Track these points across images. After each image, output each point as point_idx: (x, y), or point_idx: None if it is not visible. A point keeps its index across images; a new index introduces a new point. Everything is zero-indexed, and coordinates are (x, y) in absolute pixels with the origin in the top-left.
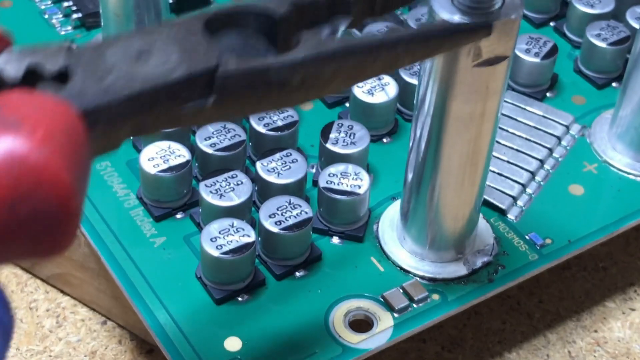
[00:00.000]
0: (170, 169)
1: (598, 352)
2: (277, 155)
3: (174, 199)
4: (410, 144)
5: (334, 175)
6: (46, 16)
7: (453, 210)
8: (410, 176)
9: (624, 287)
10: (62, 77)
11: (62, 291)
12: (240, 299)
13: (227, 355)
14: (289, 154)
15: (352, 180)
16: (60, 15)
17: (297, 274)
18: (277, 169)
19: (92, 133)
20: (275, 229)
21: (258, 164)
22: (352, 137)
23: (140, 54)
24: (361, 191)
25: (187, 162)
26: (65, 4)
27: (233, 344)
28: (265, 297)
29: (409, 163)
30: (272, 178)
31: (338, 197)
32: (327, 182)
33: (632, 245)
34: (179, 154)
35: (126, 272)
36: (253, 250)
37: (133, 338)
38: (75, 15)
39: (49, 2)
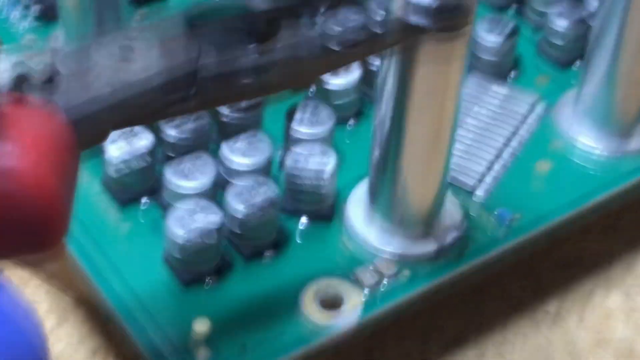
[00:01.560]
0: (134, 152)
1: (599, 353)
2: (243, 137)
3: (139, 184)
4: (374, 122)
5: (299, 154)
6: (3, 12)
7: (420, 187)
8: (376, 154)
9: (625, 287)
10: (48, 82)
11: (62, 291)
12: (208, 280)
13: (196, 336)
14: (253, 135)
15: (319, 158)
16: (19, 10)
17: (266, 254)
18: (242, 149)
19: (79, 135)
20: (242, 209)
21: (223, 145)
22: (316, 117)
23: (124, 56)
24: (328, 169)
25: (152, 145)
26: None
27: (202, 325)
28: (233, 278)
29: (374, 141)
30: (237, 158)
31: (305, 175)
32: (293, 162)
33: (635, 245)
34: (143, 137)
35: (93, 258)
36: (220, 231)
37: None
38: (35, 8)
39: None
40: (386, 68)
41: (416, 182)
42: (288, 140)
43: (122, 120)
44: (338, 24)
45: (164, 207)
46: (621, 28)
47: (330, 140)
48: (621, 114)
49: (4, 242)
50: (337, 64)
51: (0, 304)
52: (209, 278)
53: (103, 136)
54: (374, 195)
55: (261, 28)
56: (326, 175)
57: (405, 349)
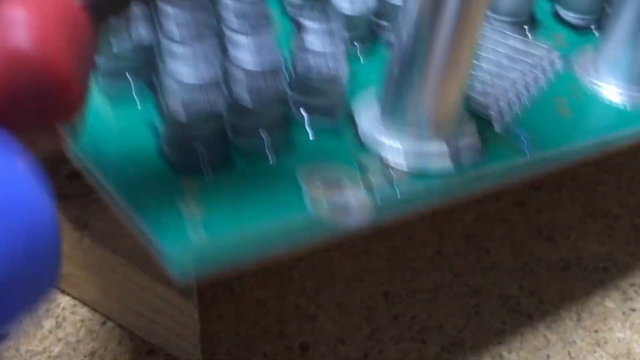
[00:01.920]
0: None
1: (598, 353)
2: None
3: None
4: (395, 38)
5: (312, 42)
6: None
7: (442, 88)
8: (396, 70)
9: (624, 287)
10: None
11: (62, 291)
12: (207, 172)
13: (190, 218)
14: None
15: (329, 46)
16: None
17: (269, 151)
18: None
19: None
20: (248, 99)
21: (227, 32)
22: (326, 15)
23: None
24: (339, 55)
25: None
26: None
27: (194, 209)
28: (235, 171)
29: (393, 56)
30: (244, 55)
31: (317, 63)
32: (304, 49)
33: (632, 245)
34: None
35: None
36: (222, 119)
37: (133, 338)
38: None
39: None
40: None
41: (439, 83)
42: (299, 33)
43: None
44: None
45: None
46: None
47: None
48: None
49: (26, 105)
50: None
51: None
52: (207, 170)
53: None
54: (392, 96)
55: None
56: (337, 62)
57: (403, 349)
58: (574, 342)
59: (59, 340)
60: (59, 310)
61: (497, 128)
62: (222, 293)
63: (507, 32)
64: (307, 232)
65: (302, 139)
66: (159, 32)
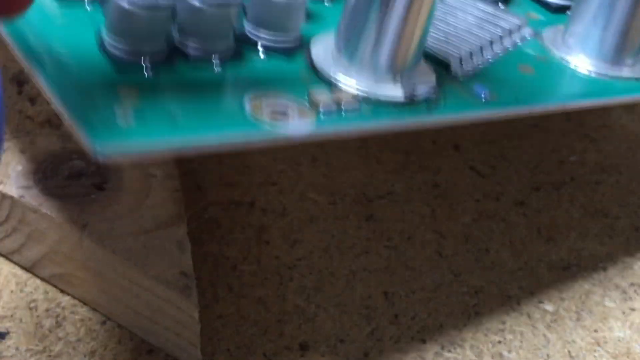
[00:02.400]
0: None
1: (598, 352)
2: None
3: None
4: None
5: None
6: None
7: (399, 31)
8: None
9: (623, 287)
10: None
11: (62, 291)
12: (146, 68)
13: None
14: None
15: None
16: None
17: (214, 59)
18: None
19: None
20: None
21: None
22: None
23: None
24: None
25: None
26: None
27: (130, 93)
28: (177, 74)
29: None
30: None
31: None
32: None
33: (632, 245)
34: None
35: (29, 39)
36: (168, 14)
37: (132, 338)
38: None
39: None
40: None
41: (394, 26)
42: None
43: None
44: None
45: None
46: None
47: None
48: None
49: None
50: None
51: None
52: (147, 66)
53: None
54: (344, 35)
55: None
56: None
57: (403, 349)
58: (574, 342)
59: (59, 339)
60: (59, 310)
61: (456, 73)
62: (222, 293)
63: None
64: (244, 134)
65: (253, 56)
66: None
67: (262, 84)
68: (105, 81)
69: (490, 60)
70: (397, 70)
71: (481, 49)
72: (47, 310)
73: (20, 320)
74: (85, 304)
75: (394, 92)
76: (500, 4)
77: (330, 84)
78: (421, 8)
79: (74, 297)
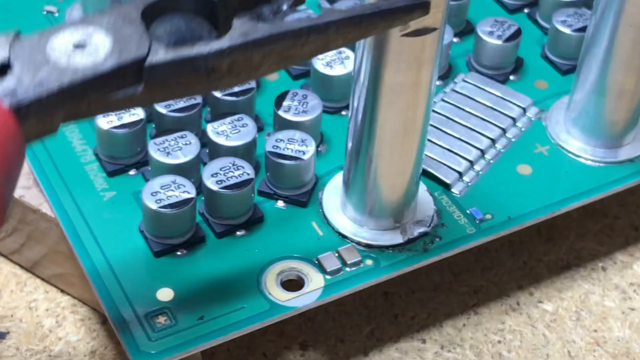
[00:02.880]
0: (123, 126)
1: (598, 352)
2: (228, 119)
3: (127, 156)
4: (350, 114)
5: (280, 140)
6: None
7: (390, 180)
8: (350, 145)
9: (623, 287)
10: (3, 69)
11: (62, 291)
12: (179, 253)
13: (157, 304)
14: (240, 119)
15: (298, 146)
16: None
17: (238, 233)
18: (226, 132)
19: (26, 123)
20: (215, 187)
21: (208, 126)
22: (304, 105)
23: (77, 44)
24: (305, 157)
25: (141, 120)
26: None
27: (165, 294)
28: (203, 253)
29: (349, 132)
30: (220, 140)
31: (282, 161)
32: (273, 147)
33: (631, 245)
34: (134, 112)
35: (73, 221)
36: (192, 206)
37: None
38: None
39: None
40: (359, 58)
41: (387, 174)
42: (276, 127)
43: (71, 109)
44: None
45: (148, 181)
46: (610, 41)
47: (317, 130)
48: (609, 124)
49: None
50: (290, 58)
51: None
52: (180, 251)
53: (52, 127)
54: (347, 184)
55: (221, 16)
56: (303, 163)
57: (403, 348)
58: (574, 341)
59: (59, 339)
60: (59, 310)
61: (455, 193)
62: None
63: (483, 87)
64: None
65: (268, 221)
66: None
67: (279, 248)
68: (143, 270)
69: (492, 163)
70: (397, 218)
71: (482, 153)
72: (47, 310)
73: (20, 320)
74: (85, 303)
75: (394, 237)
76: (511, 76)
77: (340, 237)
78: (410, 160)
79: (73, 297)
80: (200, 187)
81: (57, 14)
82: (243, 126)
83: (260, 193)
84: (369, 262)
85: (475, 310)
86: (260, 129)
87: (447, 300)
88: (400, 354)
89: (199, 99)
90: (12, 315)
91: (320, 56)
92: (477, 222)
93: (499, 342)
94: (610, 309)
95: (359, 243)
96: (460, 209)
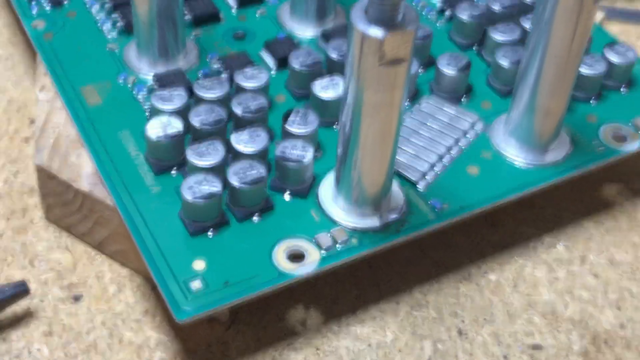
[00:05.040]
0: (166, 136)
1: (530, 311)
2: (247, 131)
3: (170, 159)
4: (339, 127)
5: (286, 147)
6: (99, 24)
7: (370, 177)
8: (339, 151)
9: (549, 262)
10: None
11: (122, 264)
12: (209, 233)
13: (192, 272)
14: (256, 130)
15: (300, 151)
16: (109, 24)
17: (254, 218)
18: (245, 140)
19: None
20: (237, 183)
21: (232, 136)
22: (305, 120)
23: None
24: (306, 160)
25: (180, 132)
26: (114, 15)
27: (199, 265)
28: (227, 233)
29: (339, 141)
30: (241, 147)
31: (288, 163)
32: (281, 152)
33: (555, 230)
34: (175, 126)
35: (129, 210)
36: (219, 197)
37: None
38: (119, 24)
39: (102, 14)
40: (347, 82)
41: (368, 173)
42: (283, 137)
43: None
44: None
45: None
46: (539, 70)
47: (315, 140)
48: (538, 135)
49: None
50: None
51: None
52: (210, 232)
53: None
54: (337, 181)
55: None
56: (304, 164)
57: (382, 308)
58: (512, 303)
59: (120, 301)
60: (120, 279)
61: (420, 189)
62: None
63: (441, 106)
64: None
65: (277, 209)
66: None
67: (286, 229)
68: (182, 246)
69: (447, 165)
70: (376, 207)
71: (440, 157)
72: (110, 279)
73: (91, 287)
74: (139, 274)
75: (373, 222)
76: (463, 98)
77: (333, 222)
78: (386, 160)
79: (131, 269)
80: (225, 183)
81: (116, 51)
82: (258, 136)
83: (271, 188)
84: (354, 240)
85: (437, 279)
86: (271, 139)
87: (415, 271)
88: (380, 312)
89: (225, 116)
90: (84, 283)
91: (317, 82)
92: (437, 210)
93: (455, 303)
94: (540, 279)
95: (347, 226)
96: (424, 201)
